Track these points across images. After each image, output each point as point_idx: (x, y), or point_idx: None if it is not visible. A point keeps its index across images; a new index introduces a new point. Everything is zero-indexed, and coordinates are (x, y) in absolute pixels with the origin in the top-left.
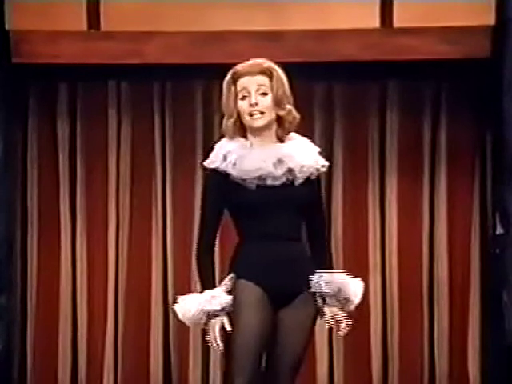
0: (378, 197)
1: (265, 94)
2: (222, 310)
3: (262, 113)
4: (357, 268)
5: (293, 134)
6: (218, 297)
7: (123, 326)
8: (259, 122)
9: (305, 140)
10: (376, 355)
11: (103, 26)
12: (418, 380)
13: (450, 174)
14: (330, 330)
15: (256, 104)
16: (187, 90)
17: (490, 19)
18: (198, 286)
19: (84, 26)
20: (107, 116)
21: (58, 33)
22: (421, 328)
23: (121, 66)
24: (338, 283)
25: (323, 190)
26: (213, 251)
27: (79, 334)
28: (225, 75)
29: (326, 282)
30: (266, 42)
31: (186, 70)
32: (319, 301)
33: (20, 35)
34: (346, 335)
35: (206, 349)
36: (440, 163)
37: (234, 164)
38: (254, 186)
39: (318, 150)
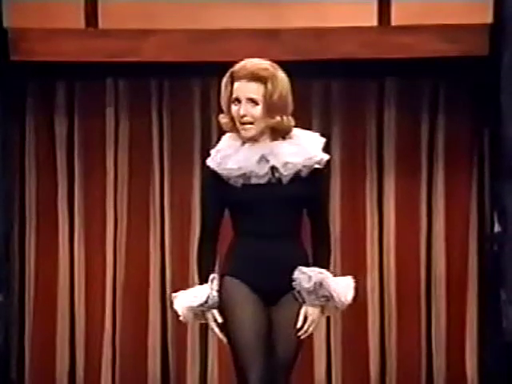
0: (376, 194)
1: (256, 103)
2: (207, 305)
3: (250, 123)
4: (355, 266)
5: (296, 130)
6: (203, 293)
7: (121, 324)
8: (247, 133)
9: (308, 135)
10: (374, 353)
11: (101, 24)
12: (416, 377)
13: (448, 171)
14: (328, 329)
15: (245, 115)
16: (185, 87)
17: (487, 17)
18: (196, 278)
19: (82, 24)
20: (105, 114)
21: (56, 31)
22: (418, 325)
23: (118, 63)
24: (319, 279)
25: None
26: (214, 242)
27: (77, 331)
28: (222, 73)
29: (308, 277)
30: (264, 40)
31: (183, 67)
32: (299, 297)
33: (18, 33)
34: (344, 333)
35: (203, 346)
36: (438, 161)
37: (220, 163)
38: (239, 185)
39: (321, 145)
